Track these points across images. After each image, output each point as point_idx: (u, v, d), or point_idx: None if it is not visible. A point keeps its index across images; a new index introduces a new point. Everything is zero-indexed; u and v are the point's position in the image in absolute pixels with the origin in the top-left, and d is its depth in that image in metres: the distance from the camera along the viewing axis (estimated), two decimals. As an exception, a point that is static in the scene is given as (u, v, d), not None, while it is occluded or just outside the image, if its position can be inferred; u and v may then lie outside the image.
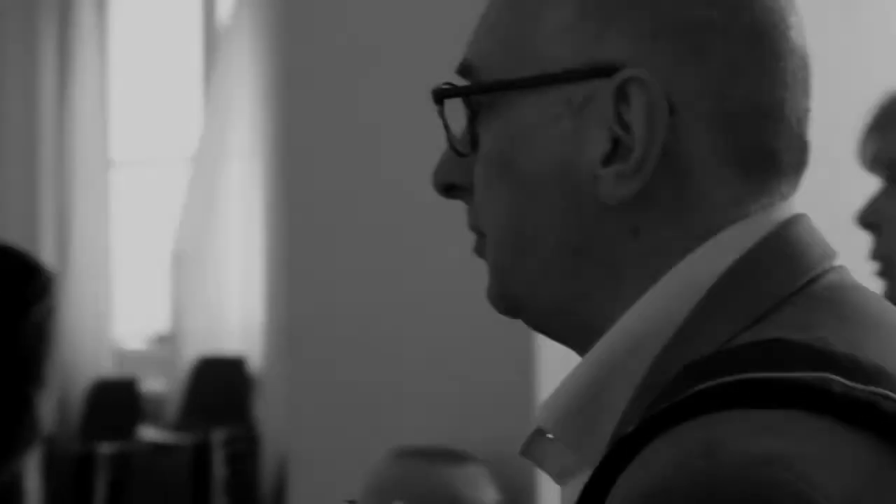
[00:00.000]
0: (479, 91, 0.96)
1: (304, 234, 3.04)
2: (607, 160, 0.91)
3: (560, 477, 0.97)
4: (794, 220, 0.94)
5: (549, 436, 0.96)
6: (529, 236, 0.94)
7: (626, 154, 0.90)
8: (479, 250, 1.00)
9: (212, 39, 7.27)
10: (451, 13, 2.62)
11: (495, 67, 0.95)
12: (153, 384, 7.16)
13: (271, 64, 6.46)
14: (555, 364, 2.89)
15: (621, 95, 0.90)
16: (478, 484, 2.45)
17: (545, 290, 0.95)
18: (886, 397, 0.80)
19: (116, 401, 7.30)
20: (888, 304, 0.95)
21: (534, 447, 0.98)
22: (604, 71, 0.91)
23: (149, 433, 7.03)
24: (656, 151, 0.90)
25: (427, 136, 3.16)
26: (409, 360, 2.76)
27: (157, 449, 6.90)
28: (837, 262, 0.95)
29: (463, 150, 0.97)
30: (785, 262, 0.91)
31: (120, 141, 7.65)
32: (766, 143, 0.92)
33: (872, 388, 0.81)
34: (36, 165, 7.54)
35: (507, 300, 0.98)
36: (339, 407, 2.89)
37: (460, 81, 0.98)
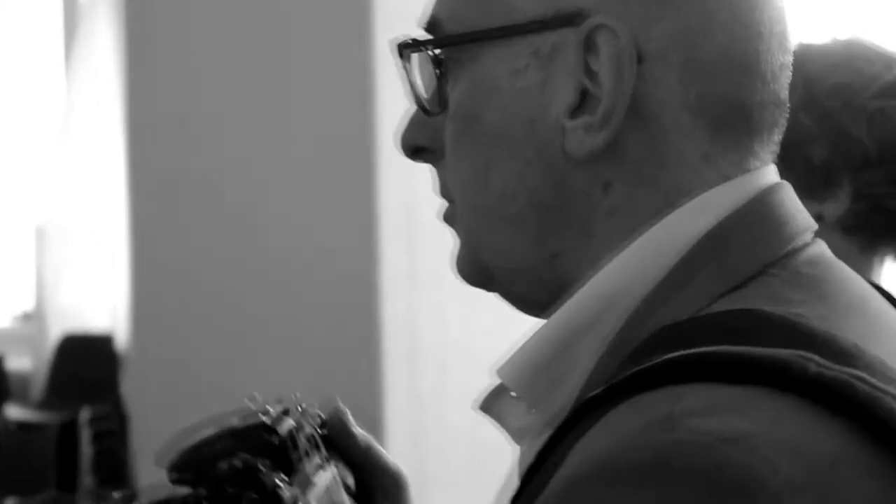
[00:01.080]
0: (444, 44, 0.93)
1: (168, 209, 3.03)
2: (575, 112, 0.88)
3: (519, 437, 0.94)
4: (776, 188, 0.91)
5: (513, 393, 0.94)
6: (498, 194, 0.91)
7: (594, 105, 0.88)
8: (449, 218, 0.97)
9: (72, 13, 7.18)
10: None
11: (462, 21, 0.92)
12: (18, 362, 7.09)
13: (132, 37, 6.39)
14: (399, 354, 2.93)
15: (589, 45, 0.88)
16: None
17: (516, 250, 0.92)
18: (862, 379, 0.77)
19: (-20, 379, 7.22)
20: (866, 283, 0.92)
21: (494, 403, 0.95)
22: (571, 20, 0.88)
23: (14, 412, 6.95)
24: (624, 102, 0.87)
25: (289, 114, 3.16)
26: (268, 335, 2.78)
27: (23, 427, 6.84)
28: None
29: (432, 109, 0.94)
30: (766, 229, 0.88)
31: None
32: (738, 97, 0.89)
33: (849, 370, 0.77)
34: None
35: (478, 268, 0.95)
36: (199, 383, 2.90)
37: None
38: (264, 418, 1.00)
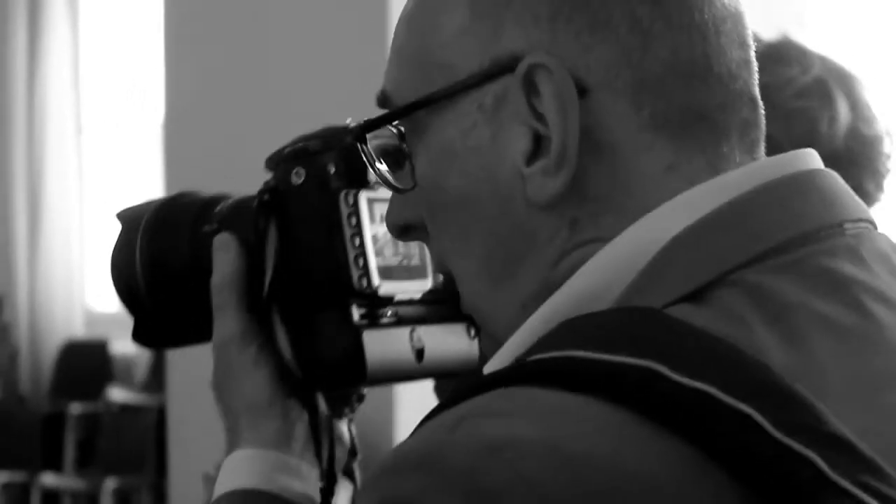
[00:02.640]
0: (392, 118, 0.91)
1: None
2: (531, 158, 0.85)
3: None
4: (767, 186, 0.85)
5: None
6: (482, 258, 0.89)
7: (548, 147, 0.84)
8: (460, 300, 0.93)
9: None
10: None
11: (406, 91, 0.90)
12: (123, 346, 7.26)
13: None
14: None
15: (530, 87, 0.84)
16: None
17: (504, 309, 0.89)
18: (710, 397, 0.72)
19: (87, 362, 7.41)
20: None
21: None
22: (507, 66, 0.85)
23: (118, 394, 7.13)
24: (575, 138, 0.83)
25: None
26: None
27: (125, 409, 7.01)
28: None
29: (403, 185, 0.93)
30: (736, 232, 0.83)
31: (91, 106, 7.73)
32: (695, 104, 0.85)
33: (697, 385, 0.72)
34: (7, 130, 7.61)
35: (493, 339, 0.91)
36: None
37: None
38: None
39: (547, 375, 0.75)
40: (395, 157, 0.94)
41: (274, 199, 1.05)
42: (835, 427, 0.72)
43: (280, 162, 1.06)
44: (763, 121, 0.89)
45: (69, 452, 7.09)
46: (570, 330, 0.79)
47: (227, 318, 1.06)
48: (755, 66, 0.89)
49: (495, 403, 0.75)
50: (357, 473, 1.11)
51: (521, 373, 0.77)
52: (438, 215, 0.90)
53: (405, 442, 0.78)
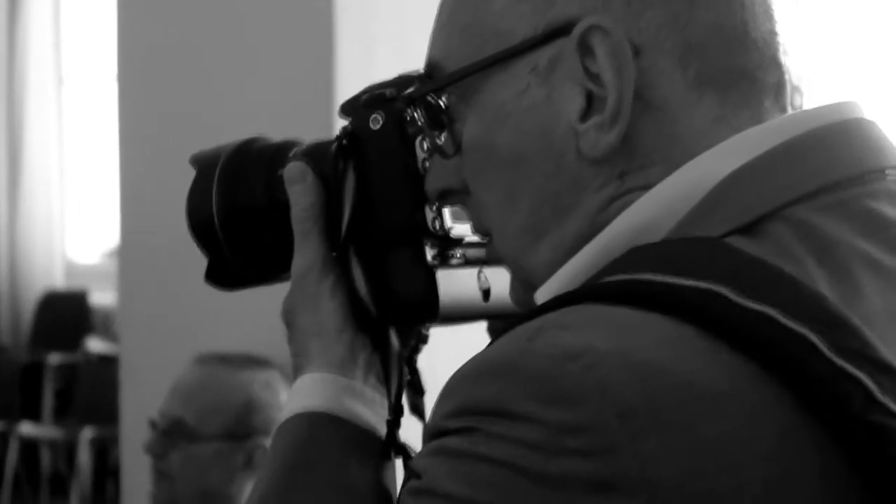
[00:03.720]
0: (446, 84, 0.96)
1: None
2: (585, 115, 0.91)
3: None
4: (817, 130, 0.91)
5: None
6: (527, 213, 0.94)
7: (602, 105, 0.90)
8: (494, 253, 1.00)
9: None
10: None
11: (458, 58, 0.95)
12: (102, 297, 7.29)
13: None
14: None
15: (584, 49, 0.90)
16: (274, 386, 2.58)
17: (547, 255, 0.95)
18: (771, 320, 0.79)
19: (66, 313, 7.45)
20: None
21: None
22: (562, 30, 0.91)
23: (96, 345, 7.17)
24: (629, 95, 0.89)
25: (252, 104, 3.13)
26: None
27: (104, 360, 7.04)
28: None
29: (448, 151, 0.98)
30: (789, 170, 0.89)
31: (72, 57, 7.73)
32: (738, 63, 0.91)
33: (759, 307, 0.79)
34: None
35: (529, 290, 0.97)
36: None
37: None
38: None
39: (618, 294, 0.82)
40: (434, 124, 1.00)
41: (352, 143, 1.10)
42: (883, 353, 0.79)
43: (358, 108, 1.11)
44: (791, 86, 0.94)
45: (48, 402, 7.13)
46: (639, 255, 0.86)
47: (310, 247, 1.10)
48: (781, 36, 0.94)
49: (571, 317, 0.82)
50: (425, 411, 1.14)
51: (593, 292, 0.84)
52: (486, 174, 0.96)
53: (484, 351, 0.83)
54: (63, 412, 7.10)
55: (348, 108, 1.12)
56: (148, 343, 3.15)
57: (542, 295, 0.94)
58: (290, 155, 1.15)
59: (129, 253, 3.27)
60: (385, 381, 1.12)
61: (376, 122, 1.09)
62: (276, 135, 1.20)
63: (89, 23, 7.67)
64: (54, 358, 7.16)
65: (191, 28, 3.14)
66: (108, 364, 6.99)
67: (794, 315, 0.79)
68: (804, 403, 0.78)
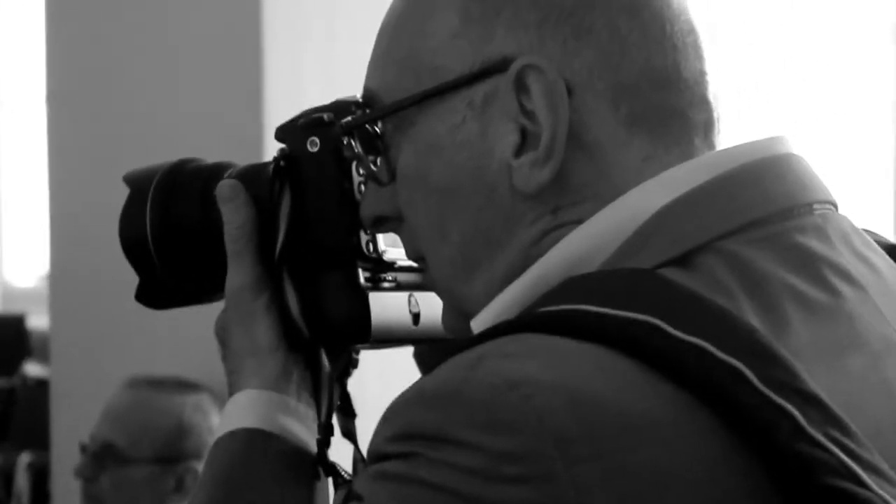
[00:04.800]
0: (382, 115, 0.99)
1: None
2: (519, 151, 0.93)
3: None
4: (746, 166, 0.93)
5: None
6: (458, 244, 0.97)
7: (536, 142, 0.92)
8: (428, 280, 1.02)
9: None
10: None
11: (395, 90, 0.98)
12: (40, 321, 7.22)
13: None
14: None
15: (520, 86, 0.93)
16: (205, 409, 2.58)
17: (480, 286, 0.97)
18: (704, 352, 0.81)
19: (3, 337, 7.36)
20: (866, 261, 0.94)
21: None
22: (498, 67, 0.94)
23: (34, 369, 7.09)
24: (563, 133, 0.92)
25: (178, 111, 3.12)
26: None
27: (42, 384, 6.97)
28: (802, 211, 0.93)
29: (382, 179, 1.00)
30: (720, 203, 0.91)
31: (7, 78, 7.68)
32: (669, 103, 0.94)
33: (692, 340, 0.81)
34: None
35: (461, 319, 0.99)
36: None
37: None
38: None
39: (556, 324, 0.84)
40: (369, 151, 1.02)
41: (290, 164, 1.12)
42: (810, 385, 0.82)
43: (295, 131, 1.12)
44: (718, 124, 0.97)
45: (-15, 427, 7.05)
46: (575, 286, 0.88)
47: (243, 265, 1.11)
48: (710, 76, 0.97)
49: (511, 346, 0.84)
50: (356, 435, 1.16)
51: (532, 321, 0.85)
52: (419, 204, 0.98)
53: (426, 378, 0.85)
54: (0, 437, 7.01)
55: (285, 131, 1.13)
56: (80, 366, 3.13)
57: (477, 324, 0.96)
58: (226, 175, 1.16)
59: (61, 276, 3.26)
60: (315, 401, 1.13)
61: (314, 144, 1.11)
62: (206, 157, 1.21)
63: (20, 45, 7.62)
64: (-9, 382, 7.08)
65: (120, 51, 3.13)
66: (45, 388, 6.91)
67: (726, 347, 0.81)
68: (735, 433, 0.80)
